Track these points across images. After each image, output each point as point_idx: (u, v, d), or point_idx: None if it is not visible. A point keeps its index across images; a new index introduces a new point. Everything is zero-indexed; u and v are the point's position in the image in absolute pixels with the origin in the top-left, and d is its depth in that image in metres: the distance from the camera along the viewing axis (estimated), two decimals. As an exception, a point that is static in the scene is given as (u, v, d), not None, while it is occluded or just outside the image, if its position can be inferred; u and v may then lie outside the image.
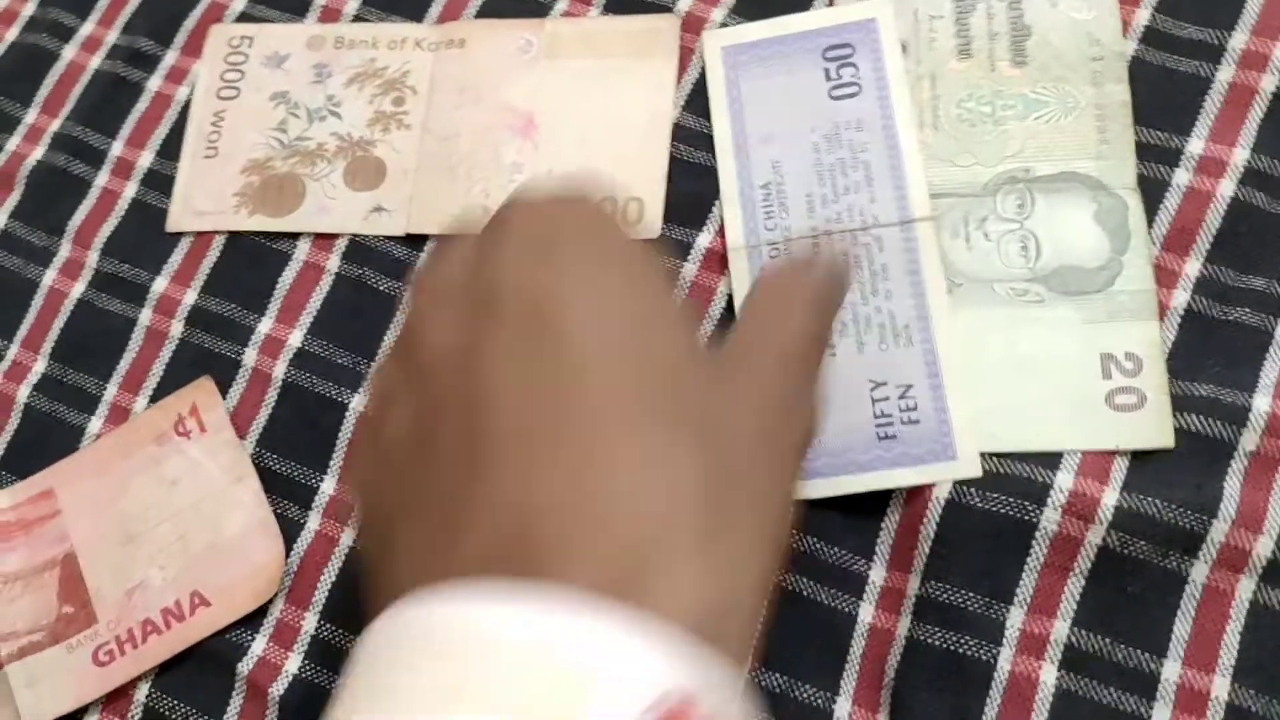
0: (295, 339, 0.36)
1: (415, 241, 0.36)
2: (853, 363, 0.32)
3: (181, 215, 0.38)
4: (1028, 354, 0.32)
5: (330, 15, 0.40)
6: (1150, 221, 0.33)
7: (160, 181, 0.39)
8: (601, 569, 0.19)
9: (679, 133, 0.36)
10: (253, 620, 0.34)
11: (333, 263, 0.37)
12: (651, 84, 0.37)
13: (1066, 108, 0.34)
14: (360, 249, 0.37)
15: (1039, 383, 0.32)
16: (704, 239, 0.35)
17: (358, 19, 0.39)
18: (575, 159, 0.36)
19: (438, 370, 0.22)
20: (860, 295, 0.33)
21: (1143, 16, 0.35)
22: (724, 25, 0.37)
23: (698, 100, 0.36)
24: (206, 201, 0.38)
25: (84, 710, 0.34)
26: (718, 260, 0.34)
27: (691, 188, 0.35)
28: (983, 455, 0.31)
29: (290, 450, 0.35)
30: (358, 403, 0.35)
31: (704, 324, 0.34)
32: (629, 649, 0.18)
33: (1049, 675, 0.30)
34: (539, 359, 0.21)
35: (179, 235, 0.38)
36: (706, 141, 0.36)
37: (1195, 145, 0.33)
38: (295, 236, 0.37)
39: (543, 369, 0.21)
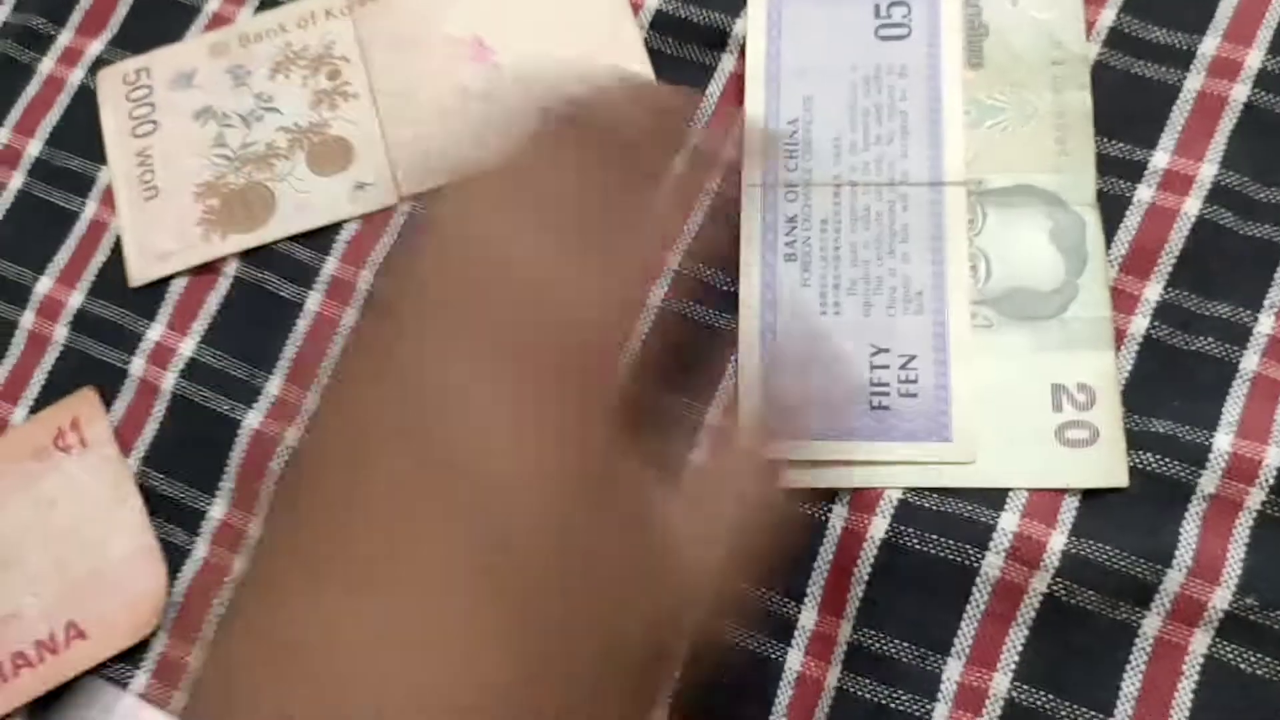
0: (187, 348, 0.33)
1: (322, 243, 0.34)
2: (857, 324, 0.30)
3: (143, 265, 0.34)
4: (975, 382, 0.30)
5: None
6: (1109, 241, 0.30)
7: (50, 172, 0.36)
8: None
9: (661, 21, 0.34)
10: (133, 655, 0.31)
11: (231, 265, 0.34)
12: None
13: (1024, 115, 0.31)
14: (260, 250, 0.34)
15: (986, 414, 0.29)
16: None
17: (267, -1, 0.37)
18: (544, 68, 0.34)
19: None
20: (875, 254, 0.30)
21: (1108, 17, 0.32)
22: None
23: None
24: (167, 241, 0.34)
25: (-54, 750, 0.31)
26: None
27: (685, 81, 0.33)
28: (921, 491, 0.29)
29: (177, 470, 0.32)
30: (252, 420, 0.32)
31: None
32: None
33: (987, 733, 0.28)
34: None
35: (67, 230, 0.35)
36: (697, 32, 0.33)
37: (1160, 159, 0.31)
38: (192, 236, 0.34)
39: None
